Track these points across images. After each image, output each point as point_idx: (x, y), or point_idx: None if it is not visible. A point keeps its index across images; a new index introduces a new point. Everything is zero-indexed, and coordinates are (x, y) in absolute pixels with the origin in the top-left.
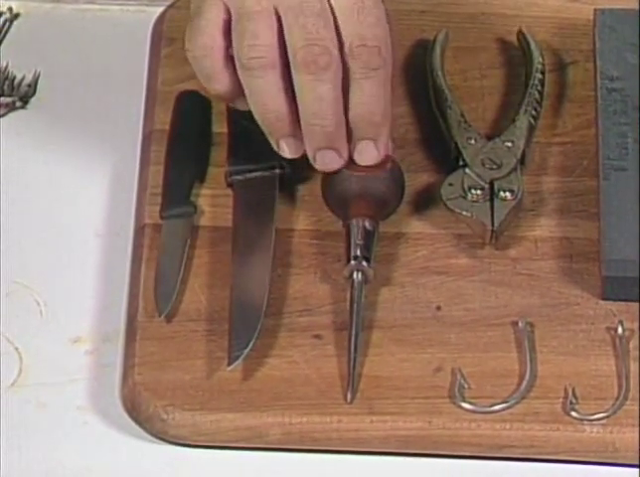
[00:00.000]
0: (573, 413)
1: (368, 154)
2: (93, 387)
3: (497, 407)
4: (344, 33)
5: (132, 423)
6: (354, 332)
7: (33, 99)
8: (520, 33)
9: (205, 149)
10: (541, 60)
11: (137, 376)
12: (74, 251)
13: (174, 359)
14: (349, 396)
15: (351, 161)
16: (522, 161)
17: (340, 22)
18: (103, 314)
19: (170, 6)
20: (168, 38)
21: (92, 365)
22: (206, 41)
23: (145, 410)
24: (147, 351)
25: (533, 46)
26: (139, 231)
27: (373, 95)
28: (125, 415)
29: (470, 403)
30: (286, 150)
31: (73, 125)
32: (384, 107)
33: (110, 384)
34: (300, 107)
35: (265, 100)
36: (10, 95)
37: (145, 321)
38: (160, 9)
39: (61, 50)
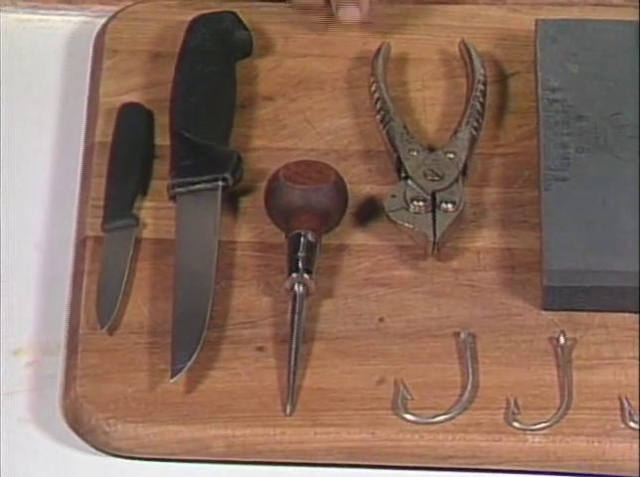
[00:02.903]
0: (515, 424)
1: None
2: (34, 398)
3: (440, 418)
4: None
5: (74, 436)
6: (294, 344)
7: None
8: (462, 44)
9: (147, 162)
10: (482, 71)
11: (79, 388)
12: (13, 263)
13: (116, 371)
14: (289, 408)
15: (295, 174)
16: (464, 172)
17: None
18: (44, 326)
19: (112, 17)
20: (110, 50)
21: (33, 376)
22: None
23: (87, 423)
24: (89, 363)
25: (474, 57)
26: (80, 243)
27: None
28: (67, 428)
29: (413, 415)
30: None
31: (12, 137)
32: None
33: (52, 396)
34: None
35: None
36: None
37: (87, 333)
38: (102, 20)
39: (0, 60)
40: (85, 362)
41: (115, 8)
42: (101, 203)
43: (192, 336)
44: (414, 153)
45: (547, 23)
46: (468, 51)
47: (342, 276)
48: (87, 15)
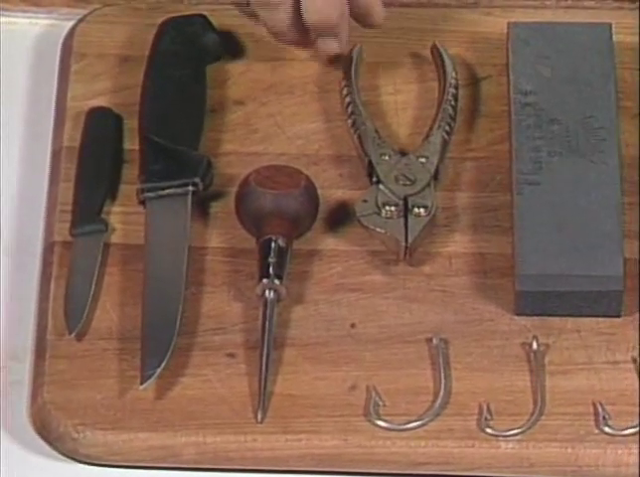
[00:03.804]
0: (488, 430)
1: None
2: (2, 405)
3: (412, 425)
4: None
5: (42, 442)
6: (265, 351)
7: None
8: (434, 47)
9: (116, 166)
10: (454, 75)
11: (46, 394)
12: None
13: (85, 377)
14: (260, 415)
15: (266, 179)
16: (435, 177)
17: None
18: (11, 332)
19: (80, 20)
20: (78, 53)
21: (0, 382)
22: None
23: (55, 430)
24: (57, 369)
25: (446, 60)
26: (48, 248)
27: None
28: (35, 434)
29: (385, 421)
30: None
31: None
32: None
33: (19, 402)
34: None
35: None
36: None
37: (55, 339)
38: (70, 23)
39: None
40: (54, 368)
41: (83, 11)
42: (69, 207)
43: (162, 342)
44: (386, 157)
45: (519, 26)
46: (440, 54)
47: (313, 282)
48: (55, 18)
